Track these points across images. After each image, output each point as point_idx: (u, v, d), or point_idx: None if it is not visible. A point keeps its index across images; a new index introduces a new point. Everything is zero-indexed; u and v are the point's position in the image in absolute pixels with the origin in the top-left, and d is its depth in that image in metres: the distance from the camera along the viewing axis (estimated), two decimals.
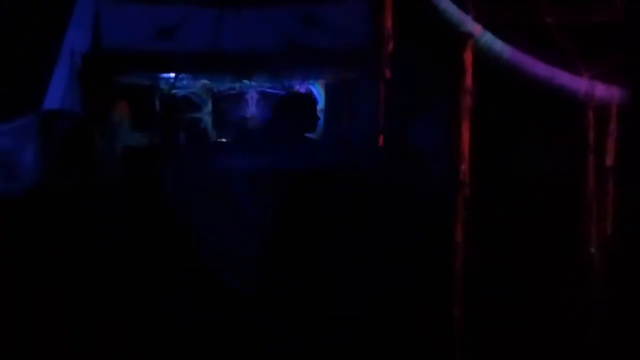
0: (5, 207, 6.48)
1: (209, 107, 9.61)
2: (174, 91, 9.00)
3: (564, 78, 2.88)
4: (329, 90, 9.02)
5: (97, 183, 7.48)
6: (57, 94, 8.16)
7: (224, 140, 9.21)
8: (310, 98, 8.94)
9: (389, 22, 3.42)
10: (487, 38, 2.93)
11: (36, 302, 4.23)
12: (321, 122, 9.11)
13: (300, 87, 9.24)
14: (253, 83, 9.04)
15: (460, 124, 3.08)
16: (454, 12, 2.99)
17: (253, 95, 9.42)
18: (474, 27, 2.95)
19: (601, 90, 2.98)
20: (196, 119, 9.51)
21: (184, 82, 8.93)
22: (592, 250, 3.08)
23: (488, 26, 2.91)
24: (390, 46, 3.42)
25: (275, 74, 8.46)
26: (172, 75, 8.53)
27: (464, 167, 3.00)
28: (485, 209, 3.19)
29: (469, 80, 3.01)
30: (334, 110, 8.84)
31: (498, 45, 2.91)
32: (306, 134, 9.48)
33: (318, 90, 9.20)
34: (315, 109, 8.88)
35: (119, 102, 8.51)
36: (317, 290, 4.36)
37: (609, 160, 3.00)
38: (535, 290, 3.19)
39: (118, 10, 7.75)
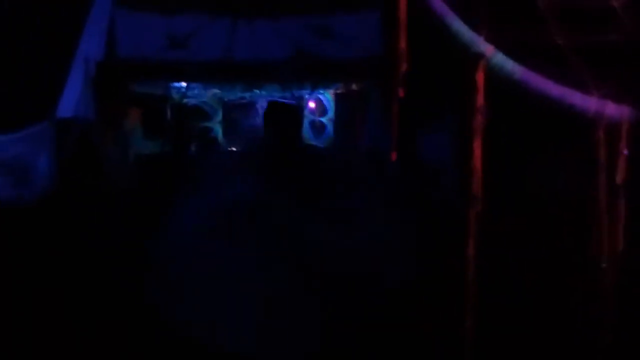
0: (19, 213, 6.59)
1: (219, 116, 9.71)
2: (185, 100, 9.10)
3: (574, 97, 2.93)
4: (339, 100, 9.09)
5: (109, 190, 7.59)
6: (70, 102, 8.27)
7: (234, 149, 9.29)
8: (293, 108, 9.00)
9: (403, 43, 3.49)
10: (499, 58, 2.99)
11: (48, 306, 4.31)
12: (330, 131, 9.22)
13: (310, 97, 9.33)
14: (263, 92, 9.12)
15: (472, 141, 3.13)
16: (467, 33, 3.06)
17: (263, 104, 9.51)
18: (486, 48, 3.01)
19: (611, 109, 3.02)
20: (207, 127, 9.61)
21: (195, 91, 9.01)
22: (604, 265, 3.12)
23: (499, 46, 2.97)
24: (405, 66, 3.48)
25: (286, 84, 8.54)
26: (184, 84, 8.62)
27: (477, 182, 3.05)
28: (496, 224, 3.24)
29: (480, 99, 3.06)
30: (344, 120, 8.91)
31: (509, 65, 2.97)
32: (313, 143, 9.60)
33: (328, 100, 9.29)
34: (300, 119, 8.97)
35: (131, 110, 8.62)
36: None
37: (620, 178, 3.03)
38: (547, 305, 3.23)
39: (132, 20, 7.86)
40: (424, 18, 3.72)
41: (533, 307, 3.32)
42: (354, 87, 8.50)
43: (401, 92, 3.51)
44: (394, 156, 3.98)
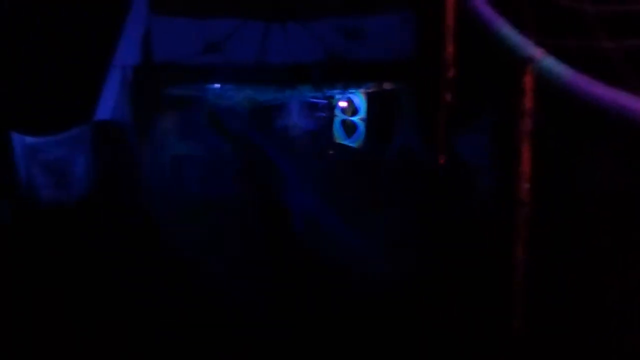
0: (59, 214, 6.80)
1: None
2: (219, 102, 9.24)
3: (625, 100, 2.95)
4: (370, 100, 9.12)
5: (146, 191, 7.77)
6: (108, 105, 8.50)
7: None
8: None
9: (450, 47, 3.54)
10: (549, 61, 3.02)
11: (85, 303, 4.40)
12: (362, 130, 9.25)
13: (341, 97, 9.38)
14: (295, 93, 9.21)
15: (520, 144, 3.17)
16: (515, 37, 3.10)
17: (295, 105, 9.59)
18: (535, 51, 3.04)
19: None
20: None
21: (229, 92, 9.14)
22: None
23: (550, 50, 3.01)
24: (452, 71, 3.53)
25: (318, 85, 8.62)
26: (218, 86, 8.76)
27: (525, 186, 3.09)
28: (544, 226, 3.27)
29: (529, 103, 3.10)
30: (375, 119, 8.94)
31: (559, 69, 3.00)
32: (344, 143, 9.66)
33: (360, 99, 9.32)
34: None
35: (166, 112, 8.82)
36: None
37: None
38: (596, 306, 3.25)
39: (168, 25, 8.05)
40: (462, 21, 3.78)
41: (582, 309, 3.34)
42: (385, 86, 8.53)
43: (448, 97, 3.56)
44: (441, 159, 4.03)
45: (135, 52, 8.28)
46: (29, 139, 7.26)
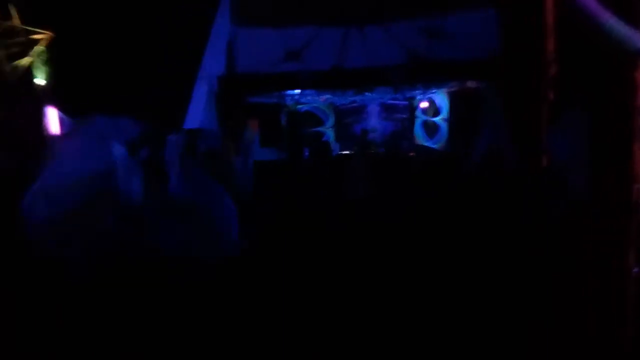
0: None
1: (331, 120, 9.93)
2: (298, 107, 9.41)
3: None
4: (453, 99, 8.89)
5: (235, 197, 8.05)
6: (196, 115, 8.96)
7: (346, 152, 9.43)
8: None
9: (551, 45, 3.37)
10: None
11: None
12: (444, 131, 9.04)
13: (422, 97, 9.22)
14: (375, 95, 9.18)
15: (631, 143, 2.96)
16: (624, 30, 2.90)
17: (375, 107, 9.57)
18: None
19: None
20: (319, 132, 9.85)
21: (308, 97, 9.30)
22: None
23: None
24: (554, 68, 3.36)
25: (398, 87, 8.54)
26: (297, 91, 8.94)
27: (638, 188, 2.87)
28: None
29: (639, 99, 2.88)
30: (459, 120, 8.69)
31: None
32: (426, 144, 9.46)
33: (442, 100, 9.11)
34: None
35: (249, 119, 9.11)
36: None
37: None
38: None
39: (250, 36, 8.34)
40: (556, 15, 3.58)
41: None
42: (469, 85, 8.28)
43: (551, 95, 3.39)
44: (545, 161, 3.84)
45: (220, 62, 8.65)
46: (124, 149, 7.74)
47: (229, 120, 8.53)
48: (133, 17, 8.17)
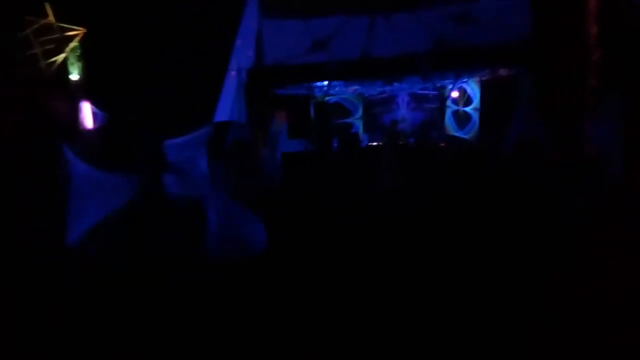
0: (185, 212, 7.28)
1: (360, 111, 9.83)
2: (326, 98, 9.35)
3: None
4: (485, 88, 8.61)
5: (263, 188, 8.08)
6: (226, 107, 9.04)
7: (374, 143, 9.31)
8: None
9: (594, 29, 3.17)
10: None
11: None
12: (475, 121, 8.78)
13: (453, 86, 8.97)
14: (404, 85, 9.01)
15: None
16: None
17: (404, 97, 9.39)
18: None
19: None
20: (348, 124, 9.76)
21: (337, 88, 9.22)
22: None
23: None
24: (599, 52, 3.16)
25: (427, 76, 8.35)
26: (325, 83, 8.87)
27: None
28: None
29: None
30: (490, 109, 8.42)
31: None
32: (456, 134, 9.22)
33: (473, 89, 8.84)
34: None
35: (277, 111, 9.13)
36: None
37: None
38: None
39: (277, 27, 8.33)
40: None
41: None
42: (501, 73, 7.99)
43: (594, 81, 3.20)
44: (586, 149, 3.65)
45: (249, 55, 8.70)
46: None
47: (257, 113, 8.57)
48: (163, 11, 8.30)
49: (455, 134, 9.07)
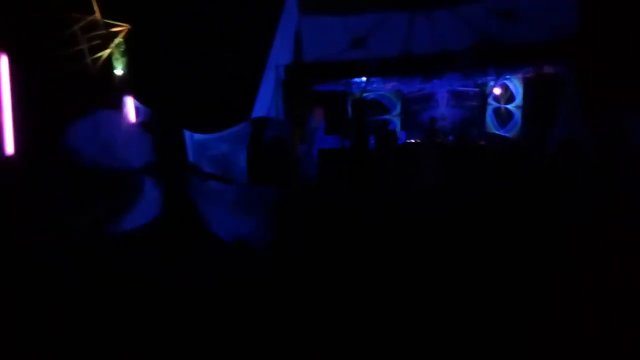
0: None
1: (398, 108, 9.72)
2: (364, 95, 9.28)
3: None
4: (528, 86, 8.36)
5: (300, 183, 8.11)
6: (264, 103, 9.13)
7: (412, 141, 9.19)
8: None
9: None
10: None
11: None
12: (518, 119, 8.54)
13: (495, 83, 8.75)
14: (443, 82, 8.84)
15: None
16: None
17: (443, 94, 9.23)
18: None
19: None
20: (385, 121, 9.68)
21: (374, 85, 9.14)
22: None
23: None
24: None
25: (468, 73, 8.18)
26: (363, 79, 8.82)
27: None
28: None
29: None
30: (534, 107, 8.16)
31: None
32: (498, 133, 9.00)
33: (515, 86, 8.60)
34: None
35: (315, 108, 9.14)
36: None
37: None
38: None
39: (316, 24, 8.33)
40: None
41: None
42: (545, 70, 7.74)
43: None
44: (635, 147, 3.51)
45: (288, 52, 8.74)
46: (197, 136, 8.10)
47: (295, 109, 8.60)
48: (205, 8, 8.45)
49: (496, 132, 8.86)
